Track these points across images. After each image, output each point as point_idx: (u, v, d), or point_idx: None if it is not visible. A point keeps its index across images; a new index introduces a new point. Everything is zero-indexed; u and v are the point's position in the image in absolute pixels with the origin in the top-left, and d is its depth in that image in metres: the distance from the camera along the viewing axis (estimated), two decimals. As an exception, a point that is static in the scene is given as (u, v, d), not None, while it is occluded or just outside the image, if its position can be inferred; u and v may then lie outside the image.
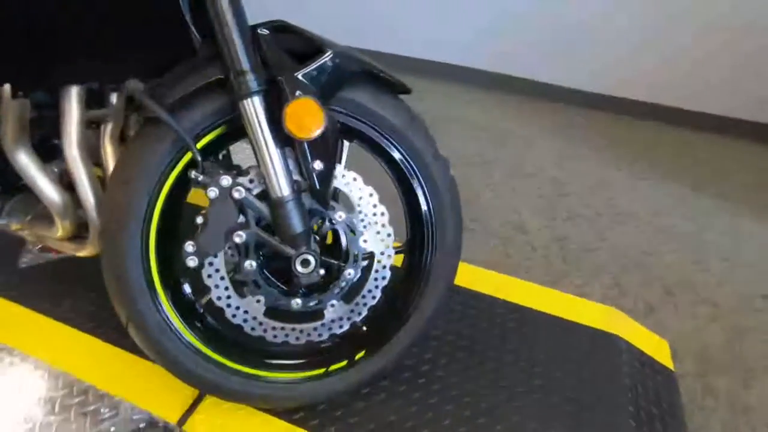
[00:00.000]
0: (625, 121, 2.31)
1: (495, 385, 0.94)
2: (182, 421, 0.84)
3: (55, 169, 0.78)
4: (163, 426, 0.86)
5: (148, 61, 0.72)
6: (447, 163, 0.82)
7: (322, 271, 0.74)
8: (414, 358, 0.98)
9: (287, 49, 0.68)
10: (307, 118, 0.64)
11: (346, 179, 0.75)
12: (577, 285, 1.31)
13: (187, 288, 0.77)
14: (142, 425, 0.84)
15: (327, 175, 0.70)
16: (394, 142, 0.77)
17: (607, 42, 2.25)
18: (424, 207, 0.80)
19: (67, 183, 0.78)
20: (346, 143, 0.80)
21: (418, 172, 0.79)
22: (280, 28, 0.69)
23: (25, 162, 0.73)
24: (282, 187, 0.67)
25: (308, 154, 0.67)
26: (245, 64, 0.62)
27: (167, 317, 0.72)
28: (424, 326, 0.86)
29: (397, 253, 0.83)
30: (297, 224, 0.69)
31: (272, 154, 0.66)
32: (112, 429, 0.81)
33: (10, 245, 1.14)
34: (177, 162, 0.68)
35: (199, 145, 0.67)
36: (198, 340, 0.76)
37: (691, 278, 1.38)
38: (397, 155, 0.78)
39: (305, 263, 0.71)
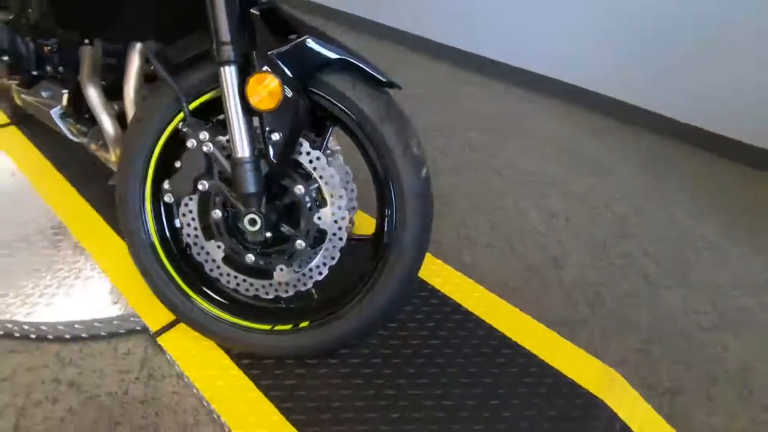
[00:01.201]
0: (739, 170, 1.86)
1: (453, 419, 0.90)
2: (159, 333, 1.01)
3: (116, 107, 0.99)
4: (144, 331, 1.04)
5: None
6: (419, 162, 0.82)
7: (268, 234, 0.81)
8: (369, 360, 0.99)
9: (279, 30, 0.76)
10: (265, 90, 0.71)
11: (311, 156, 0.81)
12: (592, 337, 1.15)
13: (176, 223, 0.91)
14: (128, 326, 1.03)
15: (284, 146, 0.76)
16: (364, 132, 0.80)
17: (741, 74, 1.82)
18: (387, 200, 0.82)
19: (123, 120, 0.99)
20: (330, 127, 0.86)
21: (385, 165, 0.80)
22: (272, 10, 0.77)
23: (93, 97, 0.95)
24: (241, 149, 0.75)
25: (266, 125, 0.74)
26: (225, 36, 0.72)
27: (152, 242, 0.87)
28: (375, 316, 0.87)
29: (356, 240, 0.86)
30: (250, 185, 0.77)
31: (239, 118, 0.75)
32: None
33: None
34: (177, 113, 0.81)
35: (193, 105, 0.80)
36: (174, 269, 0.89)
37: (756, 368, 1.09)
38: (367, 145, 0.80)
39: (252, 222, 0.79)
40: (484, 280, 1.19)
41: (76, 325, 1.02)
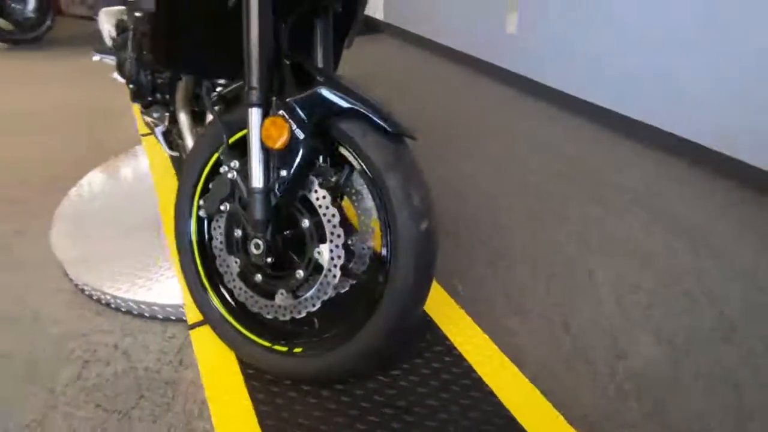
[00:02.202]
0: None
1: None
2: (193, 326, 1.15)
3: (198, 130, 1.18)
4: (178, 320, 1.19)
5: None
6: (419, 214, 0.81)
7: (269, 259, 0.88)
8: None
9: (306, 79, 0.84)
10: (274, 131, 0.79)
11: (318, 194, 0.86)
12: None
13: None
14: (165, 312, 1.20)
15: (291, 183, 0.83)
16: (371, 179, 0.82)
17: None
18: (383, 248, 0.83)
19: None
20: (348, 170, 0.91)
21: (385, 213, 0.82)
22: (302, 61, 0.85)
23: (182, 121, 1.16)
24: (256, 181, 0.84)
25: (276, 162, 0.82)
26: (254, 82, 0.82)
27: (191, 245, 1.02)
28: (359, 359, 0.88)
29: (350, 277, 0.88)
30: (258, 212, 0.85)
31: (257, 154, 0.84)
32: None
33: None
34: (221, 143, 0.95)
35: (233, 138, 0.92)
36: (204, 273, 1.03)
37: None
38: (373, 192, 0.83)
39: (256, 246, 0.87)
40: (518, 353, 1.09)
41: (142, 305, 1.23)
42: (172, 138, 1.28)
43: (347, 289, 0.99)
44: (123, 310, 1.26)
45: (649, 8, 2.10)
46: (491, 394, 1.00)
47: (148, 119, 1.29)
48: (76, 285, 1.32)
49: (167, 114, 1.23)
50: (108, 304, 1.27)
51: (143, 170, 1.83)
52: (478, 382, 1.03)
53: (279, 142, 0.79)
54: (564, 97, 2.57)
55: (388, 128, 0.80)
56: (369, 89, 0.88)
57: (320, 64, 0.99)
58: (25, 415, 1.01)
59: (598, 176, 1.95)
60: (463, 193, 1.86)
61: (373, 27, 4.25)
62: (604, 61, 2.35)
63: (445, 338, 1.14)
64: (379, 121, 0.79)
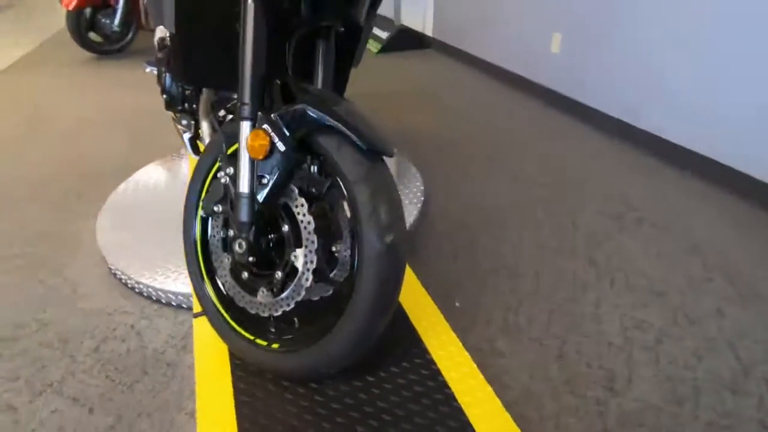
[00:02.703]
0: None
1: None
2: (197, 315, 1.26)
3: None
4: (188, 309, 1.30)
5: None
6: (384, 228, 0.85)
7: (251, 258, 0.96)
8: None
9: (292, 98, 0.92)
10: (256, 143, 0.87)
11: (297, 202, 0.93)
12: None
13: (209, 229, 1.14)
14: (177, 300, 1.31)
15: (271, 190, 0.90)
16: (343, 191, 0.88)
17: None
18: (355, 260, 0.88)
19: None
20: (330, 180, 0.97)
21: (354, 225, 0.87)
22: (289, 82, 0.93)
23: (204, 128, 1.29)
24: (242, 186, 0.92)
25: (257, 170, 0.90)
26: (245, 98, 0.91)
27: (195, 241, 1.13)
28: (325, 363, 0.94)
29: (328, 283, 0.94)
30: (242, 215, 0.93)
31: (243, 162, 0.92)
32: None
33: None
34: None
35: (232, 148, 1.01)
36: (204, 267, 1.13)
37: None
38: (345, 203, 0.88)
39: (239, 245, 0.95)
40: (502, 374, 1.09)
41: (159, 292, 1.36)
42: (197, 144, 1.42)
43: (330, 293, 1.04)
44: (144, 294, 1.40)
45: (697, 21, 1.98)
46: (460, 411, 1.01)
47: (179, 126, 1.43)
48: (110, 268, 1.49)
49: (193, 122, 1.37)
50: (132, 288, 1.42)
51: (186, 170, 2.02)
52: (450, 398, 1.03)
53: (260, 153, 0.87)
54: (608, 120, 2.48)
55: (361, 144, 0.85)
56: (352, 106, 0.93)
57: (320, 83, 1.06)
58: (49, 375, 1.16)
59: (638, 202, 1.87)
60: (485, 211, 1.86)
61: (421, 42, 4.31)
62: (651, 84, 2.24)
63: (427, 351, 1.15)
64: (353, 137, 0.85)
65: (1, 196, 1.99)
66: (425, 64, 3.98)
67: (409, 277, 1.42)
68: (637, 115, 2.31)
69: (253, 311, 1.02)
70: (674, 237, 1.66)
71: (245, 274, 1.02)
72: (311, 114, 0.86)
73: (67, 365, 1.19)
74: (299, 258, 0.93)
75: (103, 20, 3.79)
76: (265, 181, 0.90)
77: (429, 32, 4.25)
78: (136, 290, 1.41)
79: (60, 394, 1.12)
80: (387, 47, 4.23)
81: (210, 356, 1.15)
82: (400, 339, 1.18)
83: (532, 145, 2.45)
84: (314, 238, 0.91)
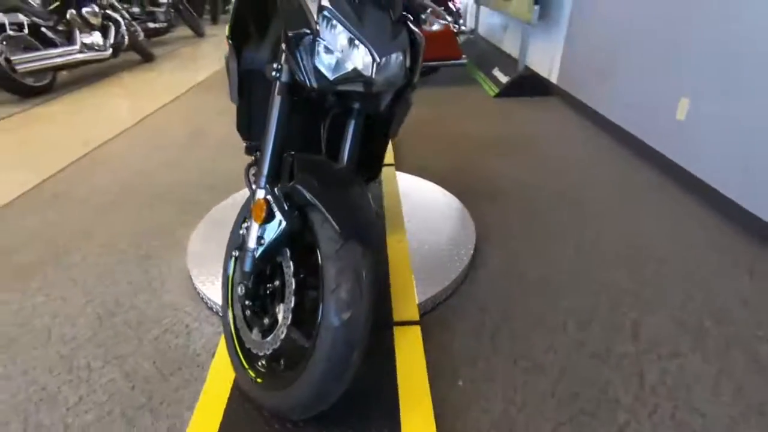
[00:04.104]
0: None
1: None
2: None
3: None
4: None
5: None
6: (343, 305, 0.93)
7: (248, 302, 1.12)
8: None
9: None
10: (257, 209, 1.03)
11: (285, 263, 1.06)
12: None
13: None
14: (218, 309, 1.55)
15: (266, 250, 1.05)
16: (319, 263, 0.99)
17: None
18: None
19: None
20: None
21: (319, 297, 0.97)
22: (296, 158, 1.07)
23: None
24: (249, 242, 1.09)
25: (257, 232, 1.06)
26: (263, 169, 1.07)
27: (228, 275, 1.34)
28: (286, 410, 1.05)
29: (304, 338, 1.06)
30: (245, 265, 1.10)
31: (252, 223, 1.09)
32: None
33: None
34: None
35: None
36: (231, 295, 1.34)
37: None
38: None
39: (241, 289, 1.12)
40: None
41: (211, 302, 1.63)
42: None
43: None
44: (203, 300, 1.69)
45: None
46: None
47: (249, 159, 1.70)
48: (189, 273, 1.83)
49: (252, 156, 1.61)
50: (197, 293, 1.73)
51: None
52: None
53: (259, 219, 1.03)
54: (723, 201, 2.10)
55: (335, 227, 0.94)
56: (345, 187, 1.03)
57: (345, 159, 1.18)
58: (119, 350, 1.50)
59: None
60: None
61: (543, 89, 4.13)
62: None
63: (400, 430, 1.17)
64: (330, 219, 0.95)
65: (135, 194, 2.57)
66: (541, 112, 3.81)
67: (415, 342, 1.43)
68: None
69: (247, 345, 1.18)
70: None
71: (248, 313, 1.19)
72: (301, 192, 0.99)
73: (134, 346, 1.52)
74: (280, 312, 1.06)
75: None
76: (262, 241, 1.06)
77: (554, 79, 4.05)
78: (199, 295, 1.71)
79: (119, 368, 1.44)
80: (505, 92, 4.15)
81: (221, 369, 1.35)
82: (377, 412, 1.20)
83: (625, 216, 2.20)
84: (292, 297, 1.03)
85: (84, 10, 4.55)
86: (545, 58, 4.17)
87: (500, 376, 1.38)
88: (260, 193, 1.08)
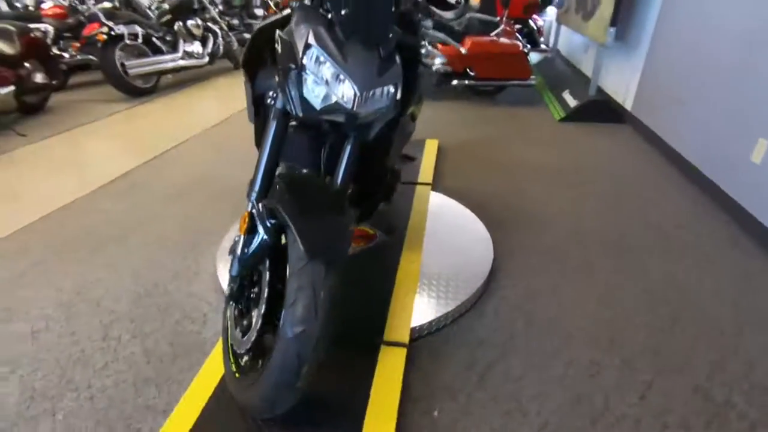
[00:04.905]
0: None
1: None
2: (232, 325, 1.63)
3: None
4: None
5: None
6: (296, 319, 1.00)
7: (232, 303, 1.23)
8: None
9: None
10: (241, 221, 1.14)
11: (264, 273, 1.16)
12: None
13: None
14: None
15: (247, 259, 1.16)
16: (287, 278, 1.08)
17: None
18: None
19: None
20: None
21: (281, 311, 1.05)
22: (285, 175, 1.16)
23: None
24: (237, 249, 1.21)
25: (242, 241, 1.17)
26: (255, 184, 1.19)
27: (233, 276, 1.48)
28: (252, 407, 1.15)
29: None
30: (232, 269, 1.21)
31: (241, 234, 1.21)
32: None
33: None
34: None
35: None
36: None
37: None
38: None
39: (227, 290, 1.25)
40: None
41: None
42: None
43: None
44: (224, 293, 1.86)
45: None
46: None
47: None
48: (216, 267, 2.02)
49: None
50: (220, 286, 1.91)
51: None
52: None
53: (242, 230, 1.14)
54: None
55: (301, 247, 1.02)
56: (321, 210, 1.11)
57: (339, 179, 1.26)
58: (144, 328, 1.72)
59: None
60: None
61: (614, 116, 3.86)
62: None
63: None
64: (298, 239, 1.02)
65: (200, 190, 2.86)
66: (608, 140, 3.56)
67: (397, 365, 1.45)
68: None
69: (231, 341, 1.30)
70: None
71: (235, 312, 1.31)
72: (279, 210, 1.08)
73: (157, 326, 1.73)
74: (254, 316, 1.16)
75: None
76: (246, 250, 1.17)
77: (628, 106, 3.77)
78: (222, 288, 1.89)
79: (142, 343, 1.64)
80: (572, 116, 3.94)
81: (215, 357, 1.49)
82: (340, 426, 1.24)
83: (671, 263, 2.01)
84: (264, 305, 1.13)
85: (189, 22, 5.17)
86: (621, 83, 3.91)
87: (479, 413, 1.35)
88: (248, 206, 1.19)
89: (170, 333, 1.69)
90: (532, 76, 4.25)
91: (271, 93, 1.18)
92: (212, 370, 1.45)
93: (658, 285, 1.89)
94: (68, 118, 4.27)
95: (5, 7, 5.82)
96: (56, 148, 3.58)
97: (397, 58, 1.17)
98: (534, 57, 6.17)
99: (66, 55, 4.72)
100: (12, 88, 3.77)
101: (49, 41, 4.28)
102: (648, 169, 3.03)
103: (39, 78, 4.12)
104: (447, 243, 2.09)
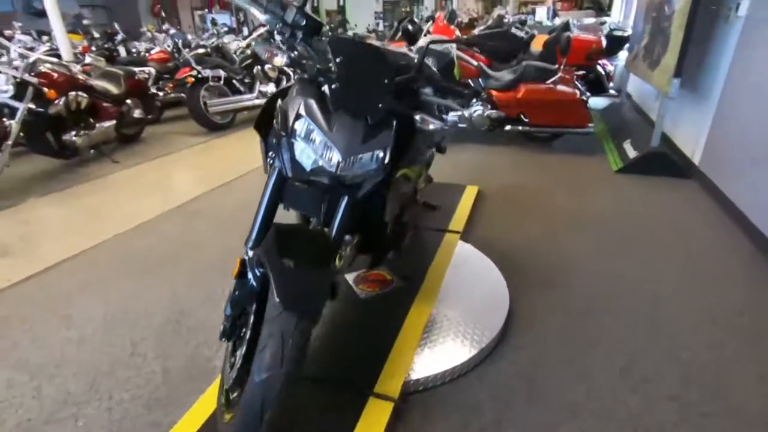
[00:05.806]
0: None
1: None
2: (239, 356, 1.75)
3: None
4: None
5: None
6: (264, 365, 1.07)
7: (224, 339, 1.34)
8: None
9: None
10: (234, 266, 1.26)
11: (249, 314, 1.26)
12: None
13: None
14: None
15: (235, 300, 1.27)
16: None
17: None
18: None
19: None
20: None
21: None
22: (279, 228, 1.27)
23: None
24: (234, 289, 1.33)
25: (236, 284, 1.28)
26: (252, 234, 1.30)
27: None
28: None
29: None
30: (225, 308, 1.33)
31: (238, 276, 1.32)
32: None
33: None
34: None
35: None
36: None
37: None
38: None
39: (221, 327, 1.36)
40: None
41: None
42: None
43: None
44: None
45: None
46: None
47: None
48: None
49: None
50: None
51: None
52: None
53: (234, 274, 1.26)
54: None
55: (276, 297, 1.10)
56: (302, 263, 1.19)
57: (333, 234, 1.34)
58: (168, 349, 1.89)
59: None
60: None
61: (678, 171, 3.56)
62: None
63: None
64: (275, 289, 1.11)
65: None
66: (667, 197, 3.29)
67: (380, 419, 1.46)
68: None
69: (223, 372, 1.40)
70: None
71: (229, 347, 1.42)
72: (264, 261, 1.18)
73: (180, 348, 1.90)
74: (238, 356, 1.26)
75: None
76: (236, 293, 1.28)
77: (696, 160, 3.48)
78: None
79: (162, 363, 1.81)
80: (630, 168, 3.71)
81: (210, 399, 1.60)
82: None
83: (717, 349, 1.81)
84: (244, 345, 1.22)
85: (266, 66, 5.72)
86: (690, 135, 3.63)
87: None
88: (243, 253, 1.31)
89: (189, 357, 1.84)
90: (590, 124, 4.10)
91: (270, 153, 1.32)
92: (208, 401, 1.56)
93: (694, 371, 1.71)
94: (156, 148, 4.87)
95: (124, 53, 6.88)
96: (143, 175, 4.10)
97: (394, 123, 1.25)
98: (601, 102, 5.94)
99: (161, 93, 5.43)
100: (114, 122, 4.41)
101: (150, 82, 4.98)
102: (708, 234, 2.75)
103: (137, 113, 4.78)
104: (462, 297, 2.06)
